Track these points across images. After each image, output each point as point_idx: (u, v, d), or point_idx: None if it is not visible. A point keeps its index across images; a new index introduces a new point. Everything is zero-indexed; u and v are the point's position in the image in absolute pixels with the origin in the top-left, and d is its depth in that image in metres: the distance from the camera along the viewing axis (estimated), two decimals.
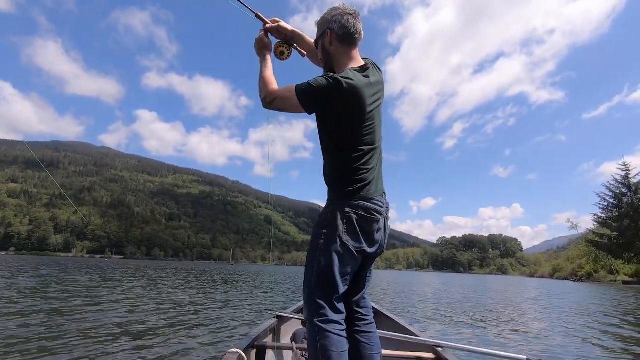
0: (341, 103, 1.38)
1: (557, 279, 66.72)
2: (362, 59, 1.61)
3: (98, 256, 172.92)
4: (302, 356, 1.92)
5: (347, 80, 1.37)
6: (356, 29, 1.55)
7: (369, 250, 1.45)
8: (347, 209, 1.40)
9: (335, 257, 1.36)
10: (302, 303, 2.77)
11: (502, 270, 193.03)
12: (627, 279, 43.79)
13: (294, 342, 2.25)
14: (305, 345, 2.02)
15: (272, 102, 1.43)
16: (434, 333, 5.52)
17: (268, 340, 2.31)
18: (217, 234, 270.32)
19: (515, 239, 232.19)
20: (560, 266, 72.78)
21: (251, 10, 1.71)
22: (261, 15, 1.71)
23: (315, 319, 1.29)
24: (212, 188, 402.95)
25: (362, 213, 1.41)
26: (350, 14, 1.54)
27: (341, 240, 1.37)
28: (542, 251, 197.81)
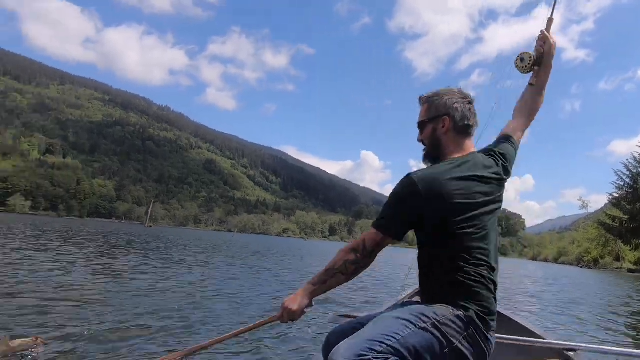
0: None
1: (561, 263, 63.56)
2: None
3: None
4: None
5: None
6: (475, 120, 1.41)
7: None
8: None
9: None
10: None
11: (501, 252, 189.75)
12: (631, 266, 40.69)
13: None
14: None
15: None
16: None
17: None
18: (126, 181, 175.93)
19: (520, 216, 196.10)
20: (565, 249, 69.93)
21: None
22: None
23: None
24: (126, 113, 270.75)
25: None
26: (471, 103, 1.40)
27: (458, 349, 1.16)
28: (545, 231, 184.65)
